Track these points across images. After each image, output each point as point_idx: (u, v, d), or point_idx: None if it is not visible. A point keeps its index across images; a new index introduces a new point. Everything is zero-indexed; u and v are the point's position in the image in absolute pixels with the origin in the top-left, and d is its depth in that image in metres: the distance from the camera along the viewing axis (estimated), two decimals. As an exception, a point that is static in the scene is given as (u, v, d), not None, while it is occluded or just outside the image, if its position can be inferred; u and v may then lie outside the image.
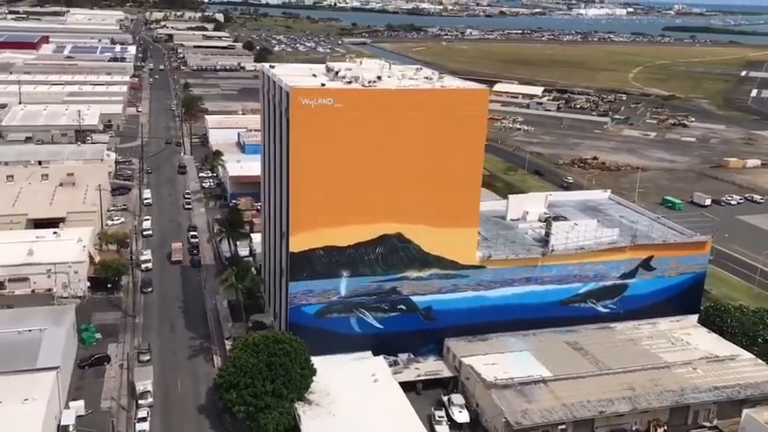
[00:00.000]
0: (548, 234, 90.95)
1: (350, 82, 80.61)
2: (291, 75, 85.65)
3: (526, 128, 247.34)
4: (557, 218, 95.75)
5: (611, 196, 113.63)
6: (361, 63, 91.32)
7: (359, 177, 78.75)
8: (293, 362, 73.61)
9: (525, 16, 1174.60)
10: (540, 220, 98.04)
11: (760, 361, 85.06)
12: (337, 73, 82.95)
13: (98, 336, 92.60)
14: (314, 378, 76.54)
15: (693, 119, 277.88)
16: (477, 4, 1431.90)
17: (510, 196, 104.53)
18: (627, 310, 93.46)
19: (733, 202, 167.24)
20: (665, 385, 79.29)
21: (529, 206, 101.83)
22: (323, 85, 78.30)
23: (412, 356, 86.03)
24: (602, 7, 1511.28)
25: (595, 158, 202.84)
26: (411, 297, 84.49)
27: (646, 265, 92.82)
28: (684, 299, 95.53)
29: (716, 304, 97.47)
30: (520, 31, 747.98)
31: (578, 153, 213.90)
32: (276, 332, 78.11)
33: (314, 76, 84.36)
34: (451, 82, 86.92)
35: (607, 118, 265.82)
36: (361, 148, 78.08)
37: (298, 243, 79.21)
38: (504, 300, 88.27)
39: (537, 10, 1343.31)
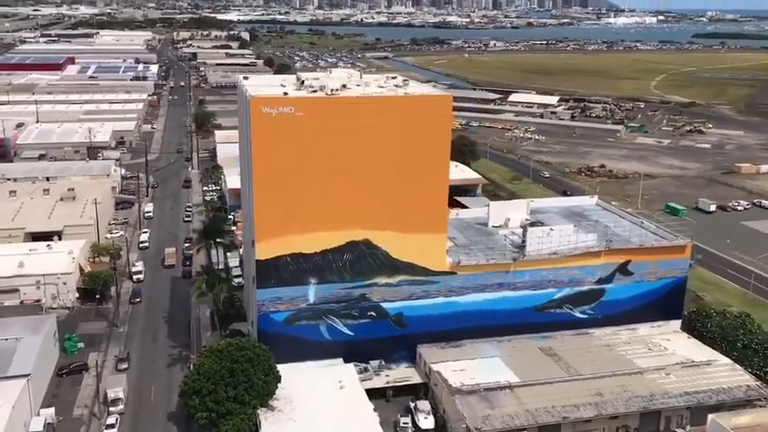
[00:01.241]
0: (524, 240, 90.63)
1: (315, 91, 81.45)
2: (260, 85, 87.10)
3: (537, 137, 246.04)
4: (533, 223, 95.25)
5: (599, 202, 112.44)
6: (330, 72, 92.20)
7: (324, 184, 79.37)
8: (256, 368, 74.20)
9: (553, 27, 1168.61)
10: (521, 227, 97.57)
11: (737, 366, 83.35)
12: (303, 82, 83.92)
13: (80, 345, 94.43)
14: (280, 385, 77.07)
15: (711, 125, 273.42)
16: (506, 17, 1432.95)
17: (491, 203, 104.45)
18: (606, 315, 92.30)
19: (739, 208, 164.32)
20: (634, 391, 78.19)
21: (511, 213, 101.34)
22: (285, 93, 79.30)
23: (383, 363, 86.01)
24: (631, 16, 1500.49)
25: (603, 166, 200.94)
26: (381, 304, 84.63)
27: (623, 269, 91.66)
28: (666, 304, 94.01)
29: (698, 309, 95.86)
30: (545, 42, 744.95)
31: (588, 161, 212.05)
32: (240, 339, 78.87)
33: (282, 86, 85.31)
34: (416, 89, 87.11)
35: (621, 126, 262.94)
36: (324, 155, 78.76)
37: (263, 250, 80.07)
38: (477, 306, 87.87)
39: (565, 20, 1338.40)
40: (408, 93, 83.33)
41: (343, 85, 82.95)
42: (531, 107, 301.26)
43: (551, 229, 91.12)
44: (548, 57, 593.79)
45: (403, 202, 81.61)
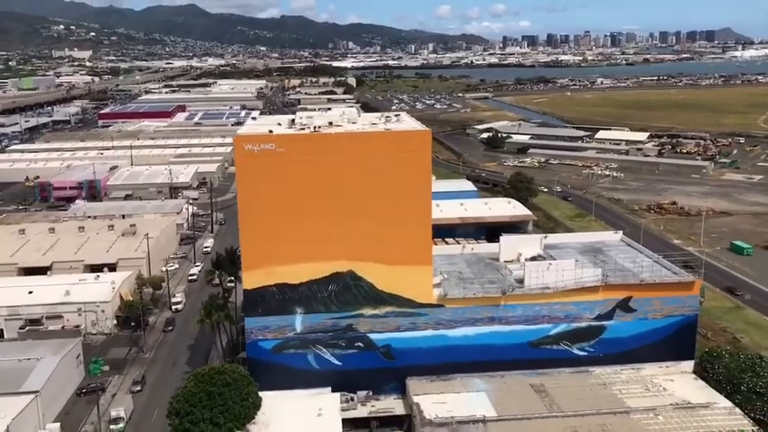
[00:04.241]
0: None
1: (302, 129, 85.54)
2: (258, 125, 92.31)
3: (615, 174, 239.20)
4: (534, 258, 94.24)
5: (623, 238, 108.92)
6: (328, 111, 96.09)
7: (307, 217, 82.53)
8: (232, 392, 77.52)
9: (671, 62, 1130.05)
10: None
11: (737, 410, 78.23)
12: (294, 121, 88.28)
13: (105, 368, 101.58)
14: (260, 410, 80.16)
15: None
16: (623, 53, 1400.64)
17: (502, 237, 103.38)
18: (607, 353, 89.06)
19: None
20: (613, 430, 75.28)
21: (523, 248, 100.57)
22: (270, 131, 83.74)
23: (371, 394, 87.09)
24: (761, 48, 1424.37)
25: (674, 203, 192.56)
26: (368, 335, 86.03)
27: (624, 306, 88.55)
28: (675, 343, 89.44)
29: (710, 350, 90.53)
30: (655, 78, 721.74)
31: (663, 199, 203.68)
32: (222, 364, 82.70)
33: (279, 124, 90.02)
34: (401, 125, 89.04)
35: (708, 162, 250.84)
36: (307, 189, 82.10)
37: (250, 280, 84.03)
38: (469, 340, 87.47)
39: (685, 55, 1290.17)
40: (390, 129, 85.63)
41: (330, 123, 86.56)
42: (619, 144, 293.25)
43: (549, 264, 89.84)
44: (655, 93, 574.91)
45: (385, 234, 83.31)
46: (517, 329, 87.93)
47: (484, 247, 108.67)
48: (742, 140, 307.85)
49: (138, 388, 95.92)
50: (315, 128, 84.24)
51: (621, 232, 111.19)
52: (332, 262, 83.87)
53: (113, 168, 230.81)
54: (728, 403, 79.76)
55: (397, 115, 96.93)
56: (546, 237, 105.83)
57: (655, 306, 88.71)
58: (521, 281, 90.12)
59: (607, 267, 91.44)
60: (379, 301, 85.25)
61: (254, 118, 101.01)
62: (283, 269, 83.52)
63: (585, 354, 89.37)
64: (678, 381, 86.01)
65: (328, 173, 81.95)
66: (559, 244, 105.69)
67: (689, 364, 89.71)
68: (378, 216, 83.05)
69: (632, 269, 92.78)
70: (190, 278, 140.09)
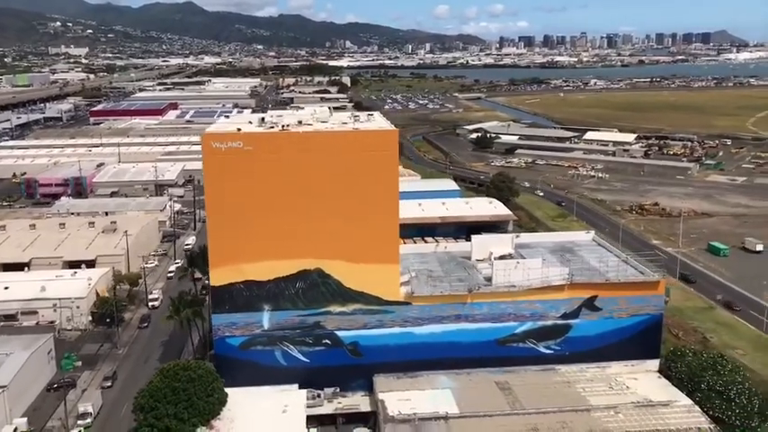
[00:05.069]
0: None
1: (271, 127, 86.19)
2: (229, 123, 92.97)
3: (600, 175, 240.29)
4: (502, 257, 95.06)
5: (595, 238, 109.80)
6: (298, 110, 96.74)
7: (275, 214, 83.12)
8: (197, 388, 78.16)
9: (666, 64, 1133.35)
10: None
11: (696, 408, 79.23)
12: (263, 119, 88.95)
13: (78, 364, 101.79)
14: (226, 406, 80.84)
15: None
16: (618, 55, 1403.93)
17: (473, 237, 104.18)
18: (574, 352, 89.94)
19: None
20: (573, 428, 76.25)
21: (494, 247, 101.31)
22: (238, 129, 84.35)
23: (338, 391, 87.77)
24: (756, 51, 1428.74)
25: (656, 204, 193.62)
26: (336, 332, 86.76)
27: (590, 305, 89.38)
28: (641, 342, 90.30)
29: (675, 349, 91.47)
30: (648, 79, 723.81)
31: (646, 200, 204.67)
32: (188, 360, 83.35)
33: (250, 123, 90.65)
34: (369, 124, 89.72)
35: (693, 164, 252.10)
36: (274, 187, 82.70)
37: (217, 277, 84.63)
38: (435, 337, 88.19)
39: (680, 57, 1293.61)
40: (358, 128, 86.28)
41: (300, 122, 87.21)
42: (606, 145, 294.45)
43: (517, 263, 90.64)
44: (648, 94, 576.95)
45: (353, 232, 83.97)
46: (484, 327, 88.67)
47: (457, 246, 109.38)
48: (729, 142, 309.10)
49: (109, 384, 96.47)
50: (283, 126, 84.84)
51: (593, 232, 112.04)
52: (299, 260, 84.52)
53: (100, 165, 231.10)
54: (688, 401, 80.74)
55: (369, 115, 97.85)
56: (518, 236, 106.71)
57: (620, 305, 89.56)
58: (489, 279, 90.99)
59: (574, 266, 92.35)
60: (347, 299, 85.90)
61: (227, 116, 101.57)
62: (251, 266, 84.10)
63: (552, 352, 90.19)
64: (642, 379, 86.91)
65: (296, 171, 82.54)
66: (531, 243, 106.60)
67: (654, 363, 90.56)
68: (345, 214, 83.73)
69: (599, 268, 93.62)
70: (169, 275, 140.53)
